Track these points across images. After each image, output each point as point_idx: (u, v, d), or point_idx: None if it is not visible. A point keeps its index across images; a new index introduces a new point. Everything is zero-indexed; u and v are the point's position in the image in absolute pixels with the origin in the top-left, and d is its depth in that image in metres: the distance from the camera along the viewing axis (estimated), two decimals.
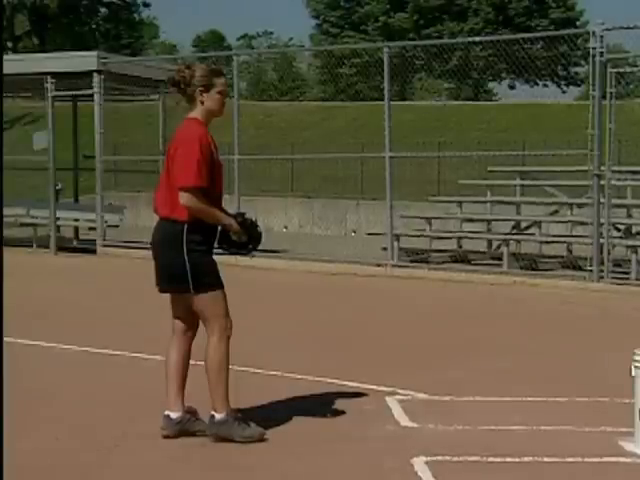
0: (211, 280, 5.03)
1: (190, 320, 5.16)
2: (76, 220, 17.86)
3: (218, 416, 5.01)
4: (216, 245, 5.16)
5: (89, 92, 16.22)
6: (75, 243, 17.70)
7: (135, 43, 54.89)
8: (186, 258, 4.96)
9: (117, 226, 17.14)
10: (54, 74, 16.14)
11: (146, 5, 55.78)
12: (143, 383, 6.50)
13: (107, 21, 54.12)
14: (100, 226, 16.37)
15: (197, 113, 5.08)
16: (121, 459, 4.82)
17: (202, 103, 5.06)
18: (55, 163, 16.61)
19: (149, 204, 24.24)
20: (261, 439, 5.01)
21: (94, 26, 53.75)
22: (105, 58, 16.52)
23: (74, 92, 16.96)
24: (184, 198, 4.93)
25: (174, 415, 5.09)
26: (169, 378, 5.14)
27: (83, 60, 16.28)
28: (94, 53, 16.63)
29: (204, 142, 4.98)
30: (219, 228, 5.11)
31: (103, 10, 54.49)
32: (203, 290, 5.00)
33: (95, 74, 16.03)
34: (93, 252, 16.13)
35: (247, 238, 5.18)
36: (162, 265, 5.09)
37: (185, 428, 5.09)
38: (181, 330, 5.20)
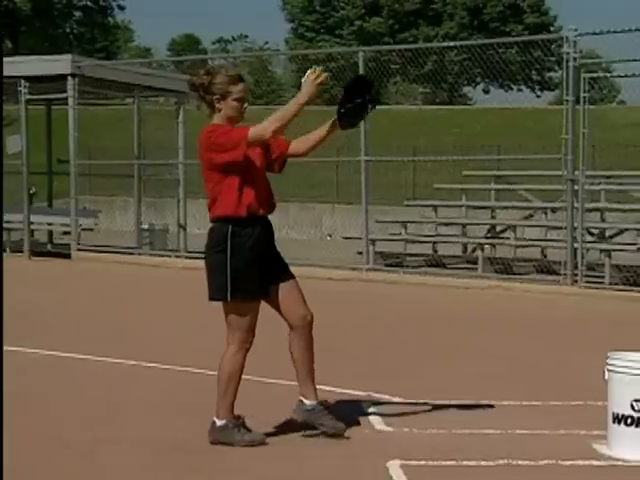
0: (251, 287, 4.96)
1: (292, 314, 5.10)
2: (50, 224, 17.76)
3: (218, 422, 5.03)
4: (343, 120, 5.07)
5: (63, 96, 16.14)
6: (49, 247, 17.60)
7: (110, 47, 54.67)
8: (228, 261, 4.93)
9: (91, 230, 17.06)
10: (28, 77, 16.05)
11: (121, 8, 55.61)
12: (114, 388, 6.48)
13: (81, 25, 53.88)
14: (74, 230, 16.28)
15: (217, 120, 5.06)
16: (93, 464, 4.78)
17: (220, 110, 5.03)
18: (29, 167, 16.52)
19: (124, 208, 24.20)
20: (262, 444, 5.02)
21: (68, 29, 53.50)
22: (79, 62, 16.44)
23: (48, 96, 16.86)
24: (254, 134, 4.89)
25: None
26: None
27: (57, 64, 16.19)
28: (68, 57, 16.53)
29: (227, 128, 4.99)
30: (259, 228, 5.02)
31: (77, 14, 54.25)
32: (240, 298, 4.95)
33: (69, 78, 15.95)
34: (67, 256, 16.05)
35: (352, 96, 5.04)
36: (207, 269, 5.06)
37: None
38: (292, 325, 5.15)
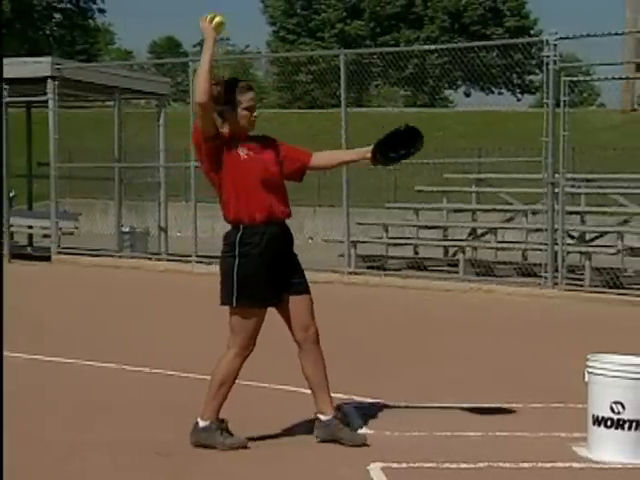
0: (256, 294, 4.96)
1: (298, 327, 5.15)
2: (30, 227, 17.69)
3: (202, 423, 5.03)
4: (379, 158, 5.14)
5: (43, 98, 16.07)
6: (29, 250, 17.51)
7: (90, 49, 54.44)
8: (235, 267, 4.95)
9: (71, 233, 16.99)
10: (7, 80, 15.96)
11: (101, 11, 55.38)
12: (94, 390, 6.45)
13: (62, 27, 53.63)
14: (54, 233, 16.22)
15: (226, 129, 5.08)
16: (71, 468, 4.76)
17: (229, 120, 5.06)
18: (8, 170, 16.44)
19: (104, 211, 24.02)
20: (243, 447, 5.00)
21: (48, 32, 53.25)
22: (59, 64, 16.38)
23: (28, 98, 16.78)
24: (196, 113, 4.96)
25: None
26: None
27: (37, 66, 16.11)
28: (48, 59, 16.47)
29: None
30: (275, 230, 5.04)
31: (57, 16, 54.00)
32: (243, 303, 4.96)
33: (49, 80, 15.88)
34: (48, 259, 15.97)
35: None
36: (220, 273, 5.07)
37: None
38: (297, 339, 5.18)
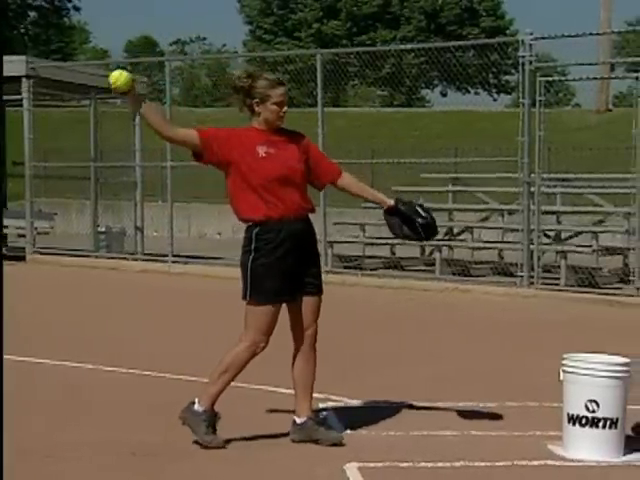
0: (268, 289, 4.99)
1: (300, 327, 5.18)
2: (5, 227, 17.56)
3: (197, 406, 5.05)
4: (392, 220, 5.23)
5: (18, 97, 15.97)
6: (4, 250, 17.39)
7: (65, 48, 54.15)
8: (250, 261, 5.00)
9: (47, 233, 16.90)
10: None
11: (77, 9, 55.12)
12: (72, 391, 6.42)
13: (36, 25, 53.32)
14: (30, 233, 16.12)
15: (255, 122, 5.13)
16: (51, 468, 4.74)
17: (259, 114, 5.09)
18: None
19: (80, 211, 23.87)
20: (218, 447, 5.00)
21: (23, 30, 52.93)
22: (34, 63, 16.28)
23: (2, 97, 16.67)
24: None
25: (299, 420, 5.16)
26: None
27: (11, 65, 15.97)
28: (22, 58, 16.37)
29: (235, 131, 5.13)
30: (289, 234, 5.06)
31: (32, 14, 53.68)
32: (256, 297, 5.00)
33: (24, 79, 15.78)
34: (23, 259, 15.88)
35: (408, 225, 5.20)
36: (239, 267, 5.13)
37: (309, 433, 5.13)
38: (296, 338, 5.23)
